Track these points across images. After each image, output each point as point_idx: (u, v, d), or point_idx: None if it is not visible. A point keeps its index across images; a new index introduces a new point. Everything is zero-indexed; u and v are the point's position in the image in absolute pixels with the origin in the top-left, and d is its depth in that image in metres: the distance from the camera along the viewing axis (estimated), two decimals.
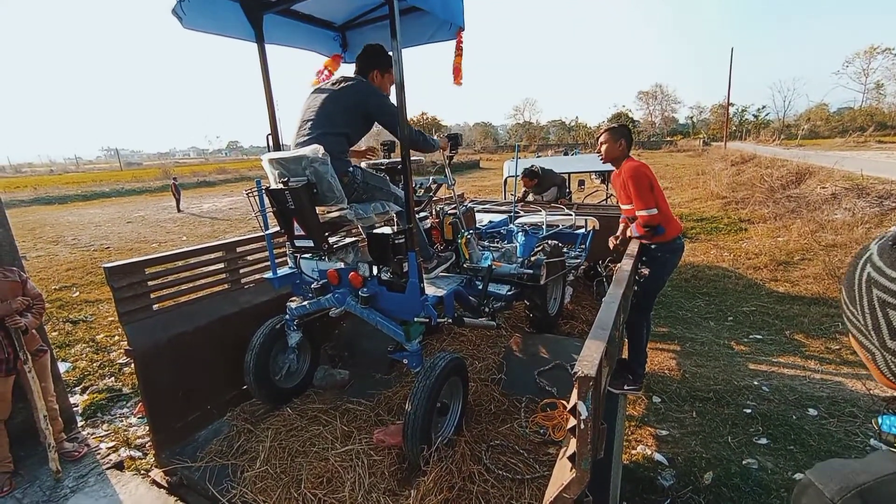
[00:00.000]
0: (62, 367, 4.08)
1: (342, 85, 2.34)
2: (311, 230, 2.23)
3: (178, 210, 16.27)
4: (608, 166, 3.02)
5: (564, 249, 3.74)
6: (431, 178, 3.13)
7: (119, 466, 2.69)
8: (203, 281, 2.81)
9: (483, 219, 4.28)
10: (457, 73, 2.61)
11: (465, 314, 2.84)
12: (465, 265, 3.03)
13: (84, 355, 4.59)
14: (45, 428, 2.52)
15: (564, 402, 2.31)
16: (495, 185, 18.36)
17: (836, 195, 9.91)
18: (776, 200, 11.05)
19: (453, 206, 3.22)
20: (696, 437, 3.10)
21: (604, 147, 2.84)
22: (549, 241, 3.50)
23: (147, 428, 3.04)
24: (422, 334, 2.39)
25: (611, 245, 3.17)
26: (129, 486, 2.44)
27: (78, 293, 6.74)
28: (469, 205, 4.36)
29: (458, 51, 2.57)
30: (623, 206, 2.97)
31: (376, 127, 2.48)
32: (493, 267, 3.09)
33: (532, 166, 6.22)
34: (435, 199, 3.32)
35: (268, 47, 2.58)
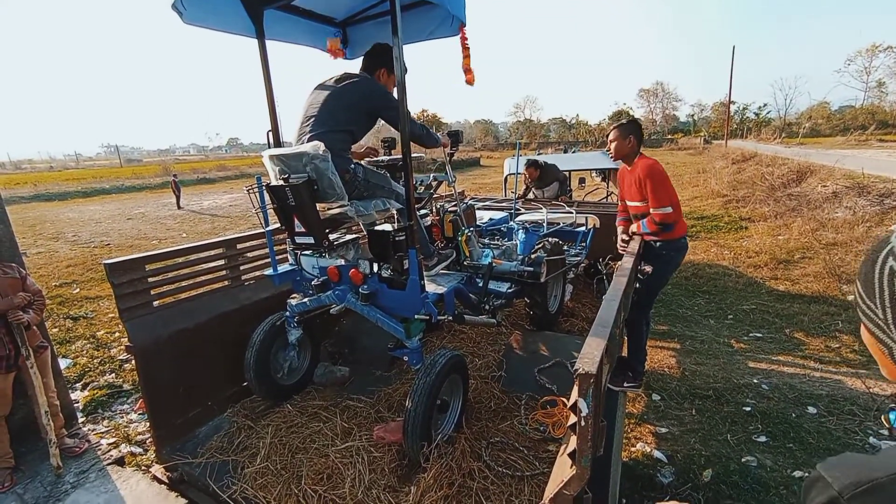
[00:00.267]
0: (63, 363, 4.08)
1: (346, 82, 2.34)
2: (312, 227, 2.23)
3: (179, 207, 16.27)
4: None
5: (565, 247, 3.74)
6: (432, 175, 3.13)
7: (120, 462, 2.70)
8: (203, 277, 2.81)
9: (483, 216, 4.27)
10: (468, 72, 2.56)
11: (465, 311, 2.84)
12: (465, 262, 3.03)
13: (85, 352, 4.60)
14: (46, 424, 2.53)
15: (564, 400, 2.32)
16: (496, 183, 18.35)
17: (837, 194, 9.90)
18: (777, 199, 11.04)
19: (454, 203, 3.21)
20: (695, 435, 3.11)
21: (613, 144, 2.83)
22: (550, 239, 3.50)
23: (147, 424, 3.05)
24: (422, 331, 2.39)
25: (620, 248, 3.12)
26: (130, 481, 2.45)
27: (78, 290, 6.75)
28: (469, 202, 4.35)
29: (465, 51, 2.52)
30: (631, 203, 2.94)
31: (377, 124, 2.47)
32: (494, 264, 3.09)
33: (536, 159, 6.26)
34: (435, 196, 3.31)
35: (268, 43, 2.57)
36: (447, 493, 1.91)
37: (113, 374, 4.13)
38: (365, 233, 2.41)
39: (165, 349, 2.44)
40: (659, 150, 41.20)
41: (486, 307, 2.93)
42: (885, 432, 2.97)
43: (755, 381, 3.79)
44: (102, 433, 3.20)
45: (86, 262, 8.40)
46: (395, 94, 2.19)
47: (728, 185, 13.86)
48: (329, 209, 2.32)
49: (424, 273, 2.45)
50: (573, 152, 14.41)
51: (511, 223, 4.13)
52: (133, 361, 2.52)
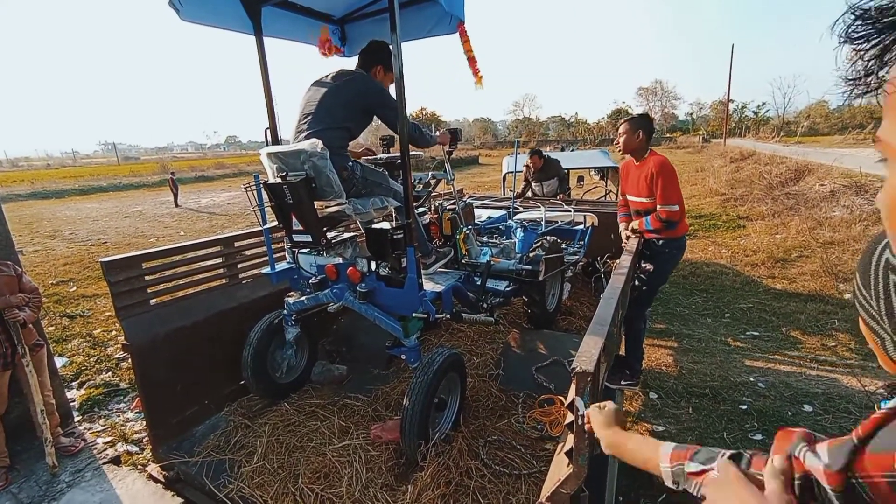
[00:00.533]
0: (59, 361, 4.07)
1: (342, 79, 2.33)
2: (310, 225, 2.22)
3: (176, 205, 16.20)
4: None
5: (563, 245, 3.74)
6: (430, 173, 3.12)
7: (116, 461, 2.69)
8: (201, 276, 2.80)
9: (482, 214, 4.27)
10: (475, 74, 2.52)
11: (463, 310, 2.84)
12: (463, 261, 3.02)
13: (81, 350, 4.58)
14: (41, 423, 2.52)
15: (562, 398, 2.32)
16: (494, 181, 18.33)
17: (835, 192, 9.91)
18: (775, 197, 11.06)
19: (452, 201, 3.21)
20: (692, 433, 3.11)
21: (623, 138, 2.83)
22: (548, 238, 3.50)
23: (144, 423, 3.03)
24: (420, 330, 2.39)
25: (624, 240, 3.09)
26: (126, 480, 2.44)
27: (75, 288, 6.72)
28: (468, 200, 4.35)
29: (469, 52, 2.47)
30: (636, 199, 2.93)
31: (375, 122, 2.46)
32: (492, 263, 3.09)
33: (541, 150, 6.33)
34: (434, 194, 3.31)
35: (266, 40, 2.56)
36: (444, 491, 1.91)
37: (109, 373, 4.11)
38: (363, 231, 2.41)
39: (162, 347, 2.43)
40: (657, 149, 40.74)
41: (484, 305, 2.93)
42: None
43: (752, 379, 3.80)
44: (98, 432, 3.19)
45: (83, 260, 8.37)
46: (392, 92, 2.18)
47: (726, 184, 13.88)
48: (327, 207, 2.31)
49: (422, 271, 2.44)
50: (571, 150, 14.40)
51: (509, 221, 4.13)
52: (129, 360, 2.51)
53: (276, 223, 2.42)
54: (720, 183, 14.12)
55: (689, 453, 0.76)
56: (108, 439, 3.04)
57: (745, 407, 3.39)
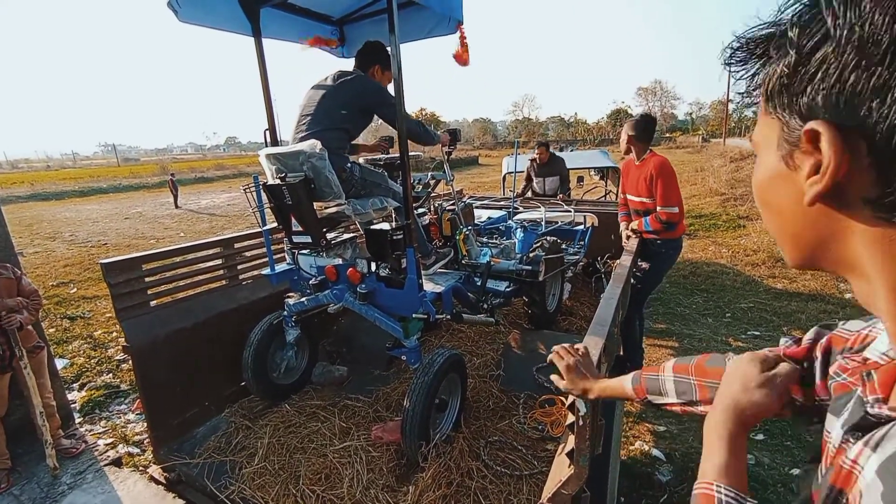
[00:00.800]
0: (59, 363, 4.06)
1: (340, 80, 2.33)
2: (309, 226, 2.22)
3: (176, 206, 16.20)
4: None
5: (563, 246, 3.73)
6: (430, 174, 3.12)
7: (117, 463, 2.68)
8: (201, 277, 2.80)
9: (482, 215, 4.27)
10: (460, 56, 2.48)
11: (463, 310, 2.84)
12: (463, 261, 3.02)
13: (81, 352, 4.58)
14: (42, 425, 2.52)
15: (563, 399, 2.31)
16: (494, 182, 18.33)
17: None
18: None
19: (452, 202, 3.21)
20: (693, 433, 3.11)
21: (624, 137, 2.85)
22: (548, 238, 3.50)
23: (145, 424, 3.03)
24: (420, 331, 2.39)
25: (624, 240, 3.10)
26: (127, 482, 2.43)
27: (75, 289, 6.72)
28: (468, 201, 4.35)
29: (464, 47, 2.49)
30: (636, 199, 2.94)
31: (375, 122, 2.46)
32: (492, 263, 3.09)
33: (548, 142, 6.36)
34: (433, 195, 3.31)
35: (265, 42, 2.56)
36: (445, 492, 1.91)
37: (110, 375, 4.11)
38: (362, 232, 2.41)
39: (163, 349, 2.43)
40: (657, 149, 40.86)
41: (485, 306, 2.93)
42: None
43: None
44: (99, 434, 3.19)
45: (83, 262, 8.37)
46: (391, 91, 2.18)
47: (726, 184, 13.86)
48: (326, 208, 2.31)
49: (422, 272, 2.44)
50: (570, 151, 14.39)
51: (509, 222, 4.13)
52: (130, 361, 2.51)
53: (275, 224, 2.43)
54: (720, 182, 14.10)
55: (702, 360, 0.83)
56: (109, 441, 3.04)
57: None
